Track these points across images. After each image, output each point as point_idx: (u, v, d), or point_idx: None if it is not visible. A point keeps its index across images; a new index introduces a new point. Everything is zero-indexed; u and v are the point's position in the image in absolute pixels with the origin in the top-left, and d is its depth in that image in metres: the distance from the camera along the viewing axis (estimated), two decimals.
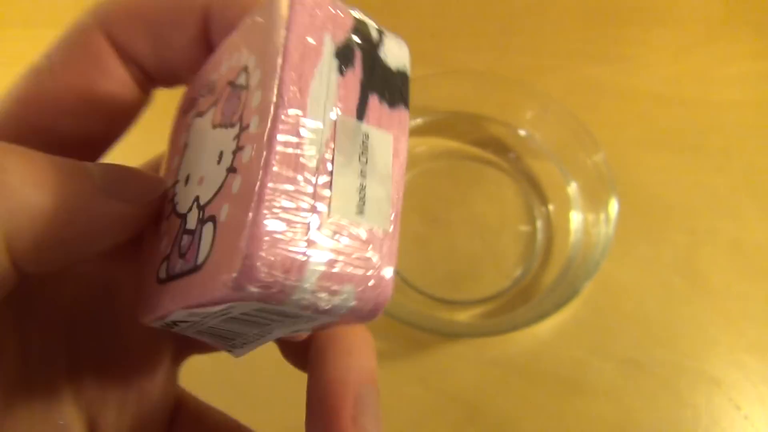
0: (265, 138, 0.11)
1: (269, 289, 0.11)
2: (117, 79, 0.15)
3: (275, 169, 0.11)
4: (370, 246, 0.12)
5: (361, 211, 0.12)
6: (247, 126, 0.12)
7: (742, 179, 0.42)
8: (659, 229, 0.40)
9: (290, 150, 0.12)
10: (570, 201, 0.40)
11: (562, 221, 0.40)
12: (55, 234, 0.12)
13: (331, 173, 0.12)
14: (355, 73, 0.13)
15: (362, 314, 0.12)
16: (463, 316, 0.38)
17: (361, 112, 0.13)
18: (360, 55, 0.13)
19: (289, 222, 0.11)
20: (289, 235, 0.11)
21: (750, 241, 0.40)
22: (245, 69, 0.13)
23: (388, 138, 0.13)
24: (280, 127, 0.12)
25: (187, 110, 0.15)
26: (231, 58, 0.14)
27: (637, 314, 0.38)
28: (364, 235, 0.12)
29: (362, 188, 0.12)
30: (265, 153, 0.11)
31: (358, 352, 0.15)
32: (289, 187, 0.11)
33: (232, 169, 0.12)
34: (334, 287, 0.12)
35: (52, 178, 0.12)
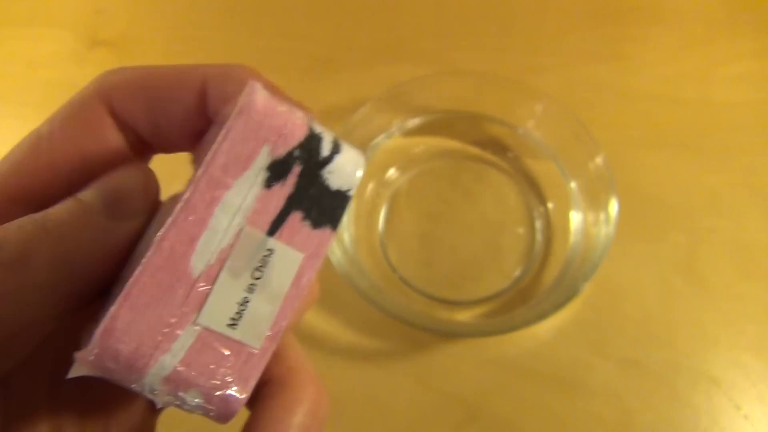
0: (157, 238, 0.12)
1: (111, 374, 0.12)
2: (113, 148, 0.16)
3: (152, 268, 0.12)
4: (229, 362, 0.13)
5: (234, 324, 0.13)
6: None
7: (742, 179, 0.42)
8: (659, 229, 0.40)
9: (177, 253, 0.12)
10: (570, 201, 0.40)
11: (562, 221, 0.40)
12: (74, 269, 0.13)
13: (214, 281, 0.12)
14: (284, 188, 0.13)
15: (211, 415, 0.13)
16: (463, 316, 0.38)
17: (274, 228, 0.13)
18: (297, 171, 0.13)
19: (149, 321, 0.12)
20: (146, 334, 0.12)
21: (750, 241, 0.40)
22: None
23: (297, 257, 0.13)
24: (173, 230, 0.12)
25: None
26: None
27: (636, 314, 0.38)
28: (227, 350, 0.13)
29: (244, 302, 0.13)
30: (150, 251, 0.12)
31: (300, 408, 0.15)
32: (163, 288, 0.12)
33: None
34: (179, 390, 0.13)
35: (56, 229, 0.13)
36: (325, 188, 0.13)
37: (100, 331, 0.12)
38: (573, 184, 0.41)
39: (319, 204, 0.13)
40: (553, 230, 0.40)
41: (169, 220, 0.12)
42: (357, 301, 0.35)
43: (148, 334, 0.12)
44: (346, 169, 0.14)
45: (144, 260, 0.12)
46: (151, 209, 0.15)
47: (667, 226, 0.40)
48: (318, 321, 0.38)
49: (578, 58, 0.47)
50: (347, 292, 0.35)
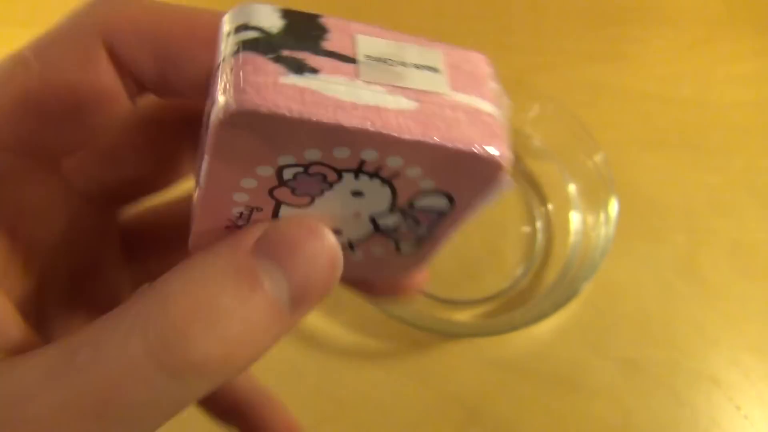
0: (402, 141, 0.12)
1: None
2: (107, 91, 0.14)
3: None
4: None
5: None
6: (363, 162, 0.13)
7: (742, 179, 0.42)
8: (659, 229, 0.40)
9: None
10: (570, 201, 0.40)
11: (562, 221, 0.40)
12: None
13: None
14: None
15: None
16: (463, 316, 0.38)
17: None
18: None
19: None
20: None
21: (750, 241, 0.40)
22: (284, 167, 0.13)
23: None
24: None
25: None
26: (240, 188, 0.13)
27: (636, 314, 0.38)
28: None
29: None
30: None
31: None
32: None
33: (390, 178, 0.13)
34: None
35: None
36: None
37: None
38: (573, 185, 0.41)
39: None
40: (553, 230, 0.40)
41: None
42: (357, 301, 0.35)
43: None
44: None
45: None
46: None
47: (667, 226, 0.40)
48: (318, 321, 0.38)
49: (578, 58, 0.47)
50: (347, 292, 0.35)
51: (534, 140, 0.42)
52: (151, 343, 0.11)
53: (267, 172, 0.12)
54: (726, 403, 0.35)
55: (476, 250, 0.40)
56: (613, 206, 0.37)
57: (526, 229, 0.40)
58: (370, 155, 0.12)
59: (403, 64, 0.13)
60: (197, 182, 0.14)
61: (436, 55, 0.13)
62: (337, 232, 0.14)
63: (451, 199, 0.14)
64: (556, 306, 0.34)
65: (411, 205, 0.14)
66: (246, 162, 0.12)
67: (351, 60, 0.12)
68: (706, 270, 0.39)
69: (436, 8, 0.50)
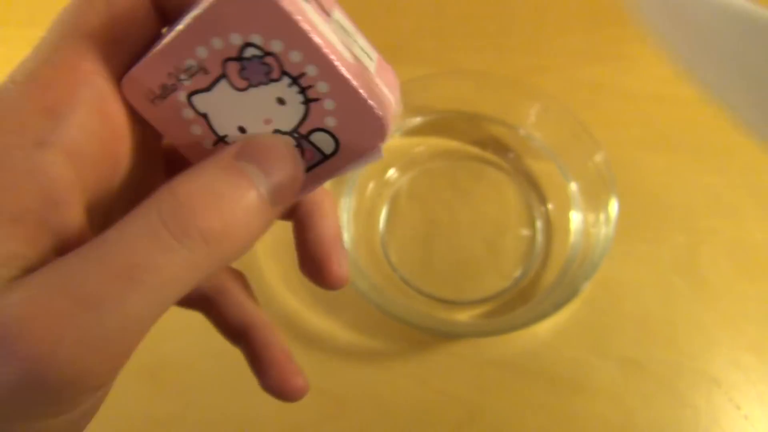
0: (339, 74, 0.16)
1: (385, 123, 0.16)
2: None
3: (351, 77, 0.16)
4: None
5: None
6: (303, 74, 0.16)
7: (742, 179, 0.42)
8: (659, 229, 0.40)
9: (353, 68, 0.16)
10: (570, 201, 0.40)
11: (562, 221, 0.40)
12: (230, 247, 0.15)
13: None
14: None
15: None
16: (463, 316, 0.38)
17: None
18: None
19: (370, 87, 0.16)
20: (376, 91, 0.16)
21: (750, 241, 0.40)
22: (250, 44, 0.15)
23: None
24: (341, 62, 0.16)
25: (165, 95, 0.17)
26: (208, 44, 0.15)
27: (636, 314, 0.38)
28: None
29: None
30: (347, 76, 0.16)
31: (331, 215, 0.20)
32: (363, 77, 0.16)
33: (311, 100, 0.16)
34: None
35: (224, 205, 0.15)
36: None
37: (373, 103, 0.16)
38: (573, 185, 0.41)
39: None
40: (553, 230, 0.40)
41: (329, 70, 0.16)
42: (357, 301, 0.35)
43: (375, 90, 0.17)
44: None
45: (350, 84, 0.16)
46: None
47: (667, 226, 0.40)
48: (318, 321, 0.38)
49: (578, 58, 0.47)
50: (347, 292, 0.35)
51: (534, 140, 0.42)
52: (164, 215, 0.14)
53: (236, 41, 0.15)
54: (726, 403, 0.35)
55: (476, 250, 0.40)
56: (613, 206, 0.37)
57: (527, 228, 0.40)
58: (311, 70, 0.15)
59: (355, 41, 0.17)
60: (170, 28, 0.16)
61: (373, 52, 0.18)
62: (242, 131, 0.17)
63: (337, 146, 0.17)
64: (556, 306, 0.34)
65: (308, 135, 0.17)
66: (227, 23, 0.15)
67: (327, 14, 0.17)
68: (706, 270, 0.39)
69: (436, 8, 0.50)
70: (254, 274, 0.38)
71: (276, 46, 0.15)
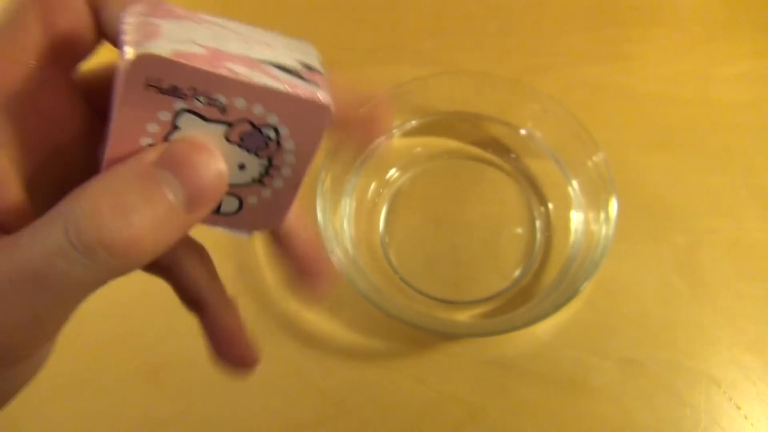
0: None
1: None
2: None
3: None
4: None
5: None
6: (279, 167, 0.18)
7: (742, 179, 0.42)
8: (659, 229, 0.40)
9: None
10: (570, 201, 0.40)
11: (562, 221, 0.40)
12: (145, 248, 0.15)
13: None
14: None
15: None
16: (463, 316, 0.38)
17: None
18: None
19: None
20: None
21: (750, 241, 0.40)
22: (275, 129, 0.17)
23: None
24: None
25: (167, 93, 0.16)
26: (246, 94, 0.16)
27: (636, 314, 0.38)
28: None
29: None
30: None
31: (305, 224, 0.21)
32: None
33: (267, 175, 0.18)
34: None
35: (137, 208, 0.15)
36: None
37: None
38: (573, 184, 0.41)
39: None
40: (553, 230, 0.40)
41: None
42: (357, 301, 0.35)
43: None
44: None
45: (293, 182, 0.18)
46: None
47: (667, 226, 0.40)
48: (318, 321, 0.38)
49: (578, 58, 0.47)
50: (347, 292, 0.35)
51: (534, 140, 0.42)
52: (70, 231, 0.14)
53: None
54: (726, 403, 0.35)
55: (476, 251, 0.40)
56: (613, 206, 0.37)
57: (527, 228, 0.40)
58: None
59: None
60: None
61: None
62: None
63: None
64: (556, 306, 0.34)
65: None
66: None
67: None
68: (706, 270, 0.39)
69: (436, 8, 0.50)
70: (254, 274, 0.38)
71: (287, 145, 0.17)
